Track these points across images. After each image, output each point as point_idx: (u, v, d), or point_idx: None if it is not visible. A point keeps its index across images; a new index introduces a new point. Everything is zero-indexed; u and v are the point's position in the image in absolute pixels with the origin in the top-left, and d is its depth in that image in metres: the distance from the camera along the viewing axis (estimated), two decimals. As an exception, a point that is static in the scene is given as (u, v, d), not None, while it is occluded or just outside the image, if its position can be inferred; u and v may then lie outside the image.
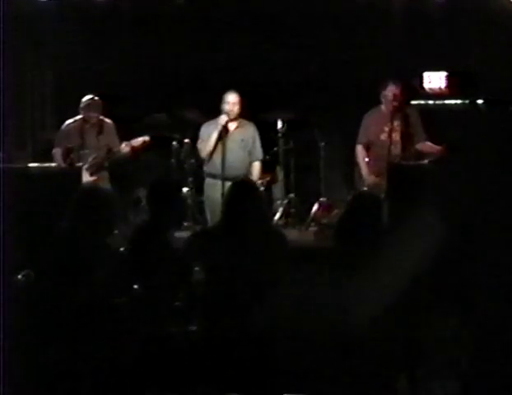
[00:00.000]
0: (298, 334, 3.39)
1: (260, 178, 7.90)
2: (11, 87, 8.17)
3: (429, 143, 7.67)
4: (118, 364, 4.01)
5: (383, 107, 7.71)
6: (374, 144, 7.69)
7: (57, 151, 7.95)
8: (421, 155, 7.69)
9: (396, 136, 7.58)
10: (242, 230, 4.52)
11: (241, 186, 5.05)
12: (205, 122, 8.01)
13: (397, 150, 7.57)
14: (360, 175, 7.77)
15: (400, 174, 6.89)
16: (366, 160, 7.71)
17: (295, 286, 3.57)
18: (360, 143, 7.75)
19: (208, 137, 7.75)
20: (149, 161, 8.68)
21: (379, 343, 3.38)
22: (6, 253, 4.39)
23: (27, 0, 8.59)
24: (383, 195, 7.04)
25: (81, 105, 7.90)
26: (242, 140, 7.78)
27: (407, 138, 7.65)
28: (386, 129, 7.59)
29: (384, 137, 7.61)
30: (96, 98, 7.90)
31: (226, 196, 4.96)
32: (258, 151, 7.86)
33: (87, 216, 4.33)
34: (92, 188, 6.00)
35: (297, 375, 3.35)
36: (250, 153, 7.79)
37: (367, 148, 7.74)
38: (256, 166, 7.84)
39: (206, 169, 7.88)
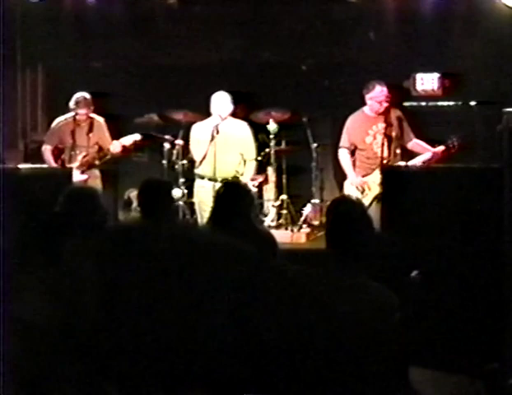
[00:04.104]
0: (286, 335, 3.38)
1: (252, 179, 7.86)
2: (3, 87, 8.15)
3: (420, 142, 7.65)
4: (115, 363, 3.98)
5: (365, 109, 7.68)
6: (359, 147, 7.69)
7: (46, 148, 7.97)
8: (412, 154, 7.67)
9: (381, 138, 7.56)
10: (230, 231, 4.48)
11: (232, 187, 5.02)
12: (194, 122, 8.00)
13: (383, 151, 7.53)
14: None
15: (395, 177, 6.85)
16: (350, 162, 7.69)
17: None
18: (343, 147, 7.75)
19: (198, 139, 7.75)
20: (140, 162, 8.66)
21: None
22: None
23: (19, 1, 8.58)
24: (369, 196, 7.26)
25: (72, 102, 7.88)
26: (234, 140, 7.74)
27: (394, 139, 7.60)
28: (371, 132, 7.57)
29: (369, 139, 7.61)
30: (87, 95, 7.89)
31: (216, 196, 4.93)
32: (251, 152, 7.83)
33: (77, 216, 4.29)
34: (81, 187, 5.97)
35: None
36: (243, 153, 7.75)
37: (352, 151, 7.71)
38: (249, 166, 7.81)
39: (196, 170, 7.85)
